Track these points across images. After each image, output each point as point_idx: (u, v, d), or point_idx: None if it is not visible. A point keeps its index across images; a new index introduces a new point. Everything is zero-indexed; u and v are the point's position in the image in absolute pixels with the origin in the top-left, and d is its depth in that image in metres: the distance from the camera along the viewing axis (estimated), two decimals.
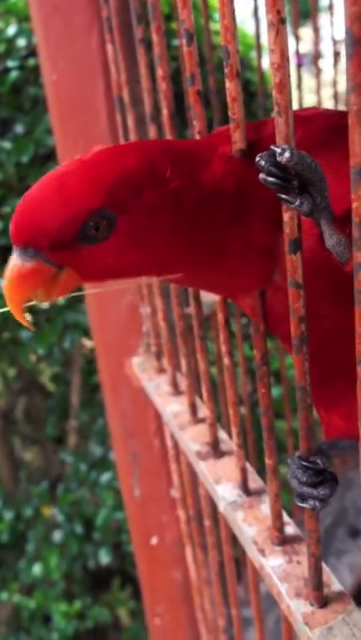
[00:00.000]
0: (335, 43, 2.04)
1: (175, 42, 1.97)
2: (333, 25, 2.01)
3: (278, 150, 0.53)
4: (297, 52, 1.86)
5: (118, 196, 0.60)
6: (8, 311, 0.65)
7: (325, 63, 2.35)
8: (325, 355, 0.70)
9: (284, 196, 0.55)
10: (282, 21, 0.51)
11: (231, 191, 0.62)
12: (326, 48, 2.30)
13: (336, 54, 2.05)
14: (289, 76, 0.52)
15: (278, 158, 0.53)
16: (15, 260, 0.61)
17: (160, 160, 0.62)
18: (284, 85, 0.52)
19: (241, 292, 0.71)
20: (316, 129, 0.67)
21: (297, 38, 1.89)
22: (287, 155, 0.53)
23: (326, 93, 2.37)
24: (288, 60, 0.52)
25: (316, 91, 1.96)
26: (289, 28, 0.53)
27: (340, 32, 2.04)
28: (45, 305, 0.66)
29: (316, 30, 1.95)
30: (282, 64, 0.52)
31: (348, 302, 0.65)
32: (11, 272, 0.61)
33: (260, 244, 0.65)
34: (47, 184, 0.61)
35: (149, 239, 0.62)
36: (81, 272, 0.63)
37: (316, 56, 1.95)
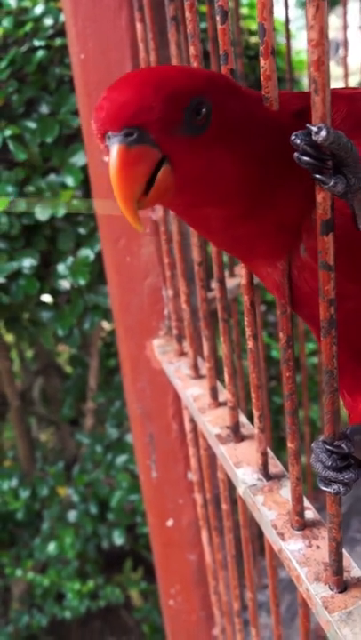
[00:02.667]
0: None
1: (203, 25, 1.96)
2: None
3: (314, 129, 0.52)
4: None
5: (215, 85, 0.59)
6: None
7: (353, 51, 2.31)
8: (350, 338, 0.69)
9: (318, 176, 0.54)
10: None
11: (283, 142, 0.60)
12: (354, 36, 2.27)
13: None
14: (328, 54, 0.51)
15: (314, 137, 0.52)
16: (120, 147, 0.56)
17: (235, 83, 0.64)
18: (322, 63, 0.51)
19: (267, 257, 0.69)
20: (360, 109, 0.65)
21: None
22: (323, 134, 0.52)
23: (353, 81, 2.34)
24: (327, 38, 0.52)
25: (344, 78, 1.93)
26: None
27: None
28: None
29: (344, 17, 1.92)
30: (320, 41, 0.51)
31: None
32: (119, 160, 0.56)
33: (292, 211, 0.64)
34: (140, 73, 0.59)
35: (236, 142, 0.60)
36: (180, 170, 0.58)
37: (344, 43, 1.93)
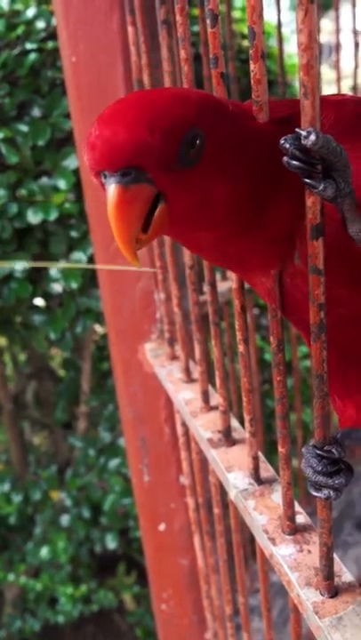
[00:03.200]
0: (356, 34, 2.01)
1: (195, 28, 1.96)
2: (355, 16, 1.99)
3: (304, 133, 0.52)
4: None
5: (206, 114, 0.58)
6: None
7: (345, 54, 2.32)
8: (340, 342, 0.69)
9: (307, 181, 0.54)
10: (311, 1, 0.50)
11: (271, 153, 0.60)
12: (346, 39, 2.28)
13: (356, 45, 2.03)
14: (317, 58, 0.51)
15: (303, 141, 0.52)
16: (117, 188, 0.55)
17: (221, 99, 0.63)
18: (311, 67, 0.51)
19: (261, 268, 0.69)
20: (347, 114, 0.65)
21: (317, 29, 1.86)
22: (313, 138, 0.52)
23: (346, 85, 2.35)
24: (316, 41, 0.51)
25: (336, 82, 1.93)
26: None
27: (360, 23, 2.01)
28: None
29: (337, 21, 1.93)
30: (310, 45, 0.51)
31: None
32: (117, 201, 0.55)
33: (284, 223, 0.64)
34: (132, 104, 0.57)
35: (229, 169, 0.59)
36: (174, 204, 0.58)
37: (337, 47, 1.93)
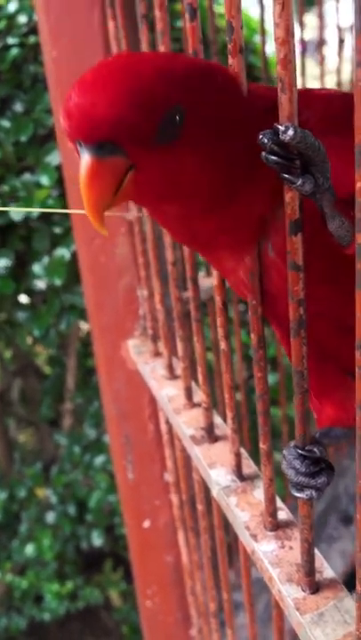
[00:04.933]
0: (340, 30, 2.01)
1: (178, 23, 1.95)
2: (339, 12, 1.98)
3: (281, 128, 0.52)
4: (301, 39, 1.83)
5: (188, 90, 0.56)
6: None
7: (330, 51, 2.32)
8: (317, 339, 0.68)
9: (285, 176, 0.53)
10: None
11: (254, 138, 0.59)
12: (331, 35, 2.28)
13: (341, 42, 2.02)
14: (294, 52, 0.51)
15: (281, 136, 0.52)
16: (90, 160, 0.55)
17: (215, 68, 0.61)
18: (288, 61, 0.51)
19: (229, 251, 0.67)
20: (336, 110, 0.65)
21: (301, 25, 1.86)
22: (290, 133, 0.51)
23: (330, 81, 2.35)
24: (293, 35, 0.51)
25: (320, 78, 1.93)
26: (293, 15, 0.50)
27: (345, 19, 2.01)
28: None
29: (320, 17, 1.93)
30: (286, 39, 0.50)
31: (343, 286, 0.64)
32: (89, 173, 0.55)
33: (256, 209, 0.63)
34: (112, 70, 0.56)
35: (208, 148, 0.58)
36: (144, 177, 0.57)
37: (321, 43, 1.93)
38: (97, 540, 2.74)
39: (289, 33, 0.50)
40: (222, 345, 0.84)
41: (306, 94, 0.66)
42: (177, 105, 0.56)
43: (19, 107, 2.00)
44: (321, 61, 1.93)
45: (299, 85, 0.53)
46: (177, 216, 0.65)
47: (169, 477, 1.46)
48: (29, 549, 2.76)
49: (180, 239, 0.74)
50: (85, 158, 0.56)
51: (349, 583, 0.70)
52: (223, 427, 1.02)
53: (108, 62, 0.58)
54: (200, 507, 1.15)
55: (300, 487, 0.66)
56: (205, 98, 0.58)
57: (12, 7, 2.03)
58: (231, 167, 0.60)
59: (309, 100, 0.65)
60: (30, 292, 2.22)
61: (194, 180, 0.59)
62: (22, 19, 2.03)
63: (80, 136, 0.55)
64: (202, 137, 0.58)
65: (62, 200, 1.97)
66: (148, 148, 0.56)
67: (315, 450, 0.65)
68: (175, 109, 0.56)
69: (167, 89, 0.56)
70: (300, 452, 0.65)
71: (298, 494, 0.66)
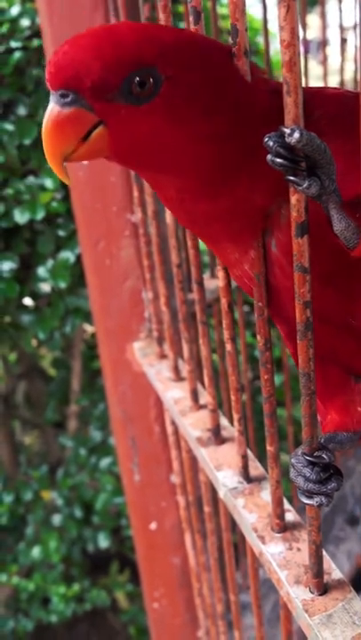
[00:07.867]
0: (343, 30, 2.01)
1: (181, 26, 1.95)
2: (341, 12, 1.98)
3: (287, 131, 0.52)
4: (304, 38, 1.83)
5: (172, 58, 0.57)
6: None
7: (332, 50, 2.32)
8: (321, 343, 0.68)
9: (291, 178, 0.53)
10: None
11: (258, 120, 0.59)
12: (333, 35, 2.28)
13: (343, 41, 2.02)
14: (299, 55, 0.51)
15: (287, 139, 0.52)
16: (54, 107, 0.57)
17: (212, 45, 0.61)
18: (294, 64, 0.51)
19: (228, 241, 0.67)
20: (345, 110, 0.64)
21: (304, 25, 1.86)
22: (296, 135, 0.51)
23: (333, 81, 2.35)
24: (298, 38, 0.51)
25: (323, 78, 1.93)
26: None
27: (347, 19, 2.01)
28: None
29: (323, 17, 1.93)
30: (292, 41, 0.50)
31: (349, 289, 0.64)
32: (49, 118, 0.57)
33: (256, 199, 0.62)
34: (98, 31, 0.58)
35: (187, 118, 0.58)
36: (115, 135, 0.58)
37: (323, 43, 1.93)
38: (103, 542, 2.74)
39: (294, 36, 0.50)
40: (228, 347, 0.84)
41: (319, 93, 0.66)
42: (151, 68, 0.57)
43: (22, 110, 2.01)
44: (323, 61, 1.93)
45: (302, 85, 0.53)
46: (170, 193, 0.65)
47: (175, 479, 1.46)
48: (36, 552, 2.76)
49: (181, 221, 0.74)
50: (49, 106, 0.58)
51: (357, 584, 0.70)
52: (230, 428, 1.02)
53: (96, 27, 0.60)
54: (207, 508, 1.15)
55: (310, 494, 0.65)
56: (193, 69, 0.59)
57: (14, 11, 2.04)
58: (222, 147, 0.60)
59: (322, 99, 0.65)
60: (35, 295, 2.23)
61: (172, 150, 0.60)
62: (25, 22, 2.03)
63: (49, 83, 0.58)
64: (181, 106, 0.58)
65: (66, 203, 1.97)
66: (113, 104, 0.57)
67: (323, 456, 0.64)
68: (148, 71, 0.57)
69: (139, 50, 0.57)
70: (308, 458, 0.64)
71: (308, 501, 0.65)
